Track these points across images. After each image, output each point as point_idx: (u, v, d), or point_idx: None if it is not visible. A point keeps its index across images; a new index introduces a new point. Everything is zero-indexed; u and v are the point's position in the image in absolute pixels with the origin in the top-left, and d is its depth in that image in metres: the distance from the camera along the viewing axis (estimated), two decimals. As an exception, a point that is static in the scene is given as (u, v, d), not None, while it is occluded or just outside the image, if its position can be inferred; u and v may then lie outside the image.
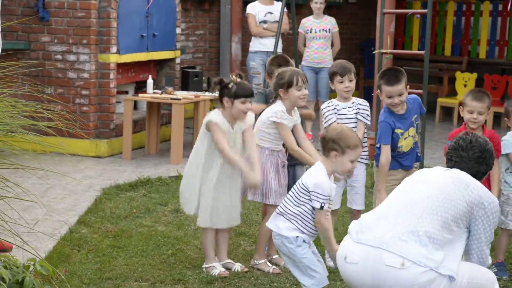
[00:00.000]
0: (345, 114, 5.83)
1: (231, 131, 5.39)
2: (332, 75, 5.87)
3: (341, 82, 5.82)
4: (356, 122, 5.84)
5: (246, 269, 5.53)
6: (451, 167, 4.24)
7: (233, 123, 5.42)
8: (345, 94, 5.84)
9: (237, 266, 5.54)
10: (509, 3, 8.64)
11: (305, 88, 5.49)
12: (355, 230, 4.15)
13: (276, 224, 4.67)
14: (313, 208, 4.57)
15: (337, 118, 5.80)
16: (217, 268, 5.43)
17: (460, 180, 4.11)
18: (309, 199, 4.57)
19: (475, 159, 4.18)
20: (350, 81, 5.82)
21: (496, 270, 5.69)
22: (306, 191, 4.58)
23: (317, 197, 4.53)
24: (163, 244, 6.01)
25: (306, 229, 4.62)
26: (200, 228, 5.68)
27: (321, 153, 4.68)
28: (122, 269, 5.43)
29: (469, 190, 4.07)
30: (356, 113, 5.86)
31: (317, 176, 4.57)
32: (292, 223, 4.61)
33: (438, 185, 4.08)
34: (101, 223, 6.48)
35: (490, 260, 4.25)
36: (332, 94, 6.20)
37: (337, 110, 5.83)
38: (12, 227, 4.22)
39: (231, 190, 5.45)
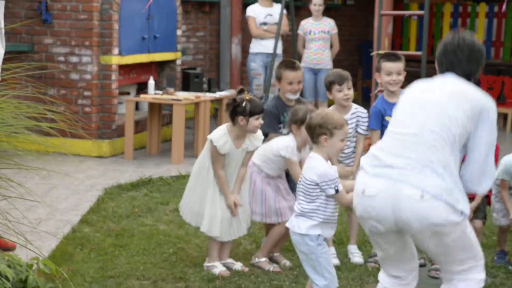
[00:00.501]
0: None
1: (233, 149, 5.44)
2: (329, 84, 5.84)
3: (340, 91, 5.81)
4: (355, 136, 5.87)
5: (247, 269, 5.57)
6: (442, 72, 4.16)
7: (241, 141, 5.46)
8: (344, 102, 5.83)
9: (238, 266, 5.58)
10: (504, 5, 8.70)
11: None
12: (369, 164, 4.06)
13: (298, 224, 4.64)
14: (329, 196, 4.57)
15: None
16: (218, 267, 5.47)
17: (458, 93, 4.01)
18: (321, 191, 4.56)
19: (465, 61, 4.10)
20: (349, 89, 5.81)
21: (496, 258, 5.87)
22: (314, 184, 4.57)
23: (328, 185, 4.53)
24: (165, 243, 6.04)
25: (328, 219, 4.62)
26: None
27: (311, 142, 4.69)
28: (124, 268, 5.46)
29: (469, 100, 3.98)
30: (356, 125, 5.88)
31: (317, 166, 4.57)
32: (314, 219, 4.59)
33: (439, 107, 3.98)
34: (104, 222, 6.52)
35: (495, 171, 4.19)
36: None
37: None
38: (15, 226, 4.22)
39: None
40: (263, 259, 5.65)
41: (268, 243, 5.69)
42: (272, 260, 5.71)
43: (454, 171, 3.94)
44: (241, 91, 5.48)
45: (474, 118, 3.97)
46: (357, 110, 5.92)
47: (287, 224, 4.76)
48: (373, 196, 3.96)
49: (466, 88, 4.05)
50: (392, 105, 5.73)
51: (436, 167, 3.89)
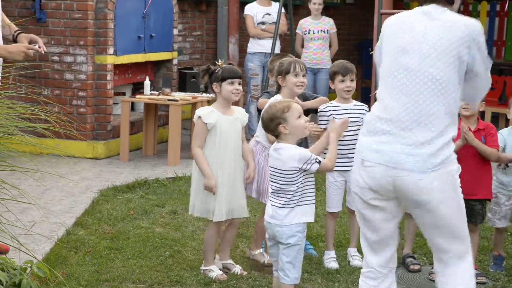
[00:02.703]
0: (348, 114, 5.77)
1: (224, 119, 5.37)
2: (333, 75, 5.84)
3: (342, 81, 5.80)
4: (359, 128, 5.78)
5: (245, 273, 5.51)
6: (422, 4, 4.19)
7: (228, 111, 5.44)
8: (345, 94, 5.81)
9: (237, 268, 5.52)
10: (506, 3, 8.64)
11: (303, 76, 5.57)
12: (370, 145, 3.99)
13: (285, 215, 4.57)
14: (314, 172, 4.55)
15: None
16: (214, 271, 5.42)
17: (443, 37, 4.00)
18: (301, 174, 4.53)
19: None
20: (351, 81, 5.80)
21: (492, 263, 5.77)
22: (296, 171, 4.53)
23: (310, 163, 4.51)
24: (161, 246, 6.00)
25: (307, 199, 4.59)
26: (205, 224, 5.64)
27: (274, 137, 4.69)
28: (119, 271, 5.42)
29: (458, 42, 3.96)
30: (362, 118, 5.79)
31: (292, 155, 4.53)
32: (292, 204, 4.55)
33: (428, 62, 3.95)
34: (98, 225, 6.48)
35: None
36: (331, 95, 6.16)
37: (336, 113, 5.75)
38: (9, 229, 4.20)
39: (234, 183, 5.43)
40: (257, 251, 5.64)
41: (258, 235, 5.67)
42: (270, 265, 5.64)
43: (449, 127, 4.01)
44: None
45: (467, 52, 4.00)
46: (358, 104, 5.88)
47: (269, 220, 4.65)
48: (374, 167, 3.95)
49: (447, 30, 4.04)
50: None
51: (435, 131, 3.94)
